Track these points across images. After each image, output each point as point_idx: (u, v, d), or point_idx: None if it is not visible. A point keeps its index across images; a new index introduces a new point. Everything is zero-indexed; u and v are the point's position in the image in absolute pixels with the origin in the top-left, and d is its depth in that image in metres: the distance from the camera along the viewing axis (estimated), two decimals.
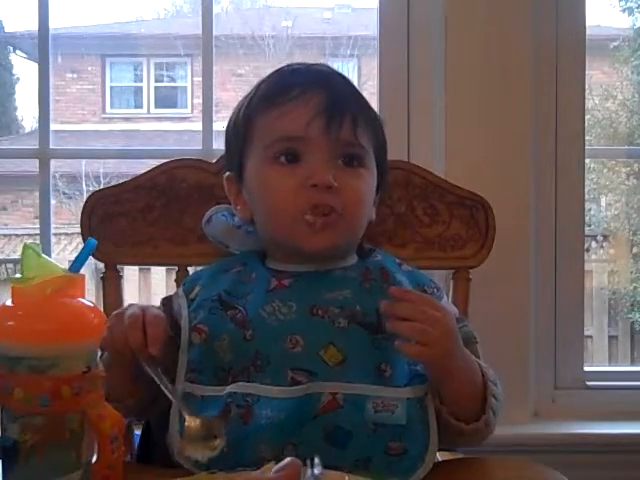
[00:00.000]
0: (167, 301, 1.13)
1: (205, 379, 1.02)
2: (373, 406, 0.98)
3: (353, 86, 1.12)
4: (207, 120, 1.77)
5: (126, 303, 1.32)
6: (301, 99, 1.05)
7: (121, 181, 1.31)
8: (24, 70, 8.44)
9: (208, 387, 1.01)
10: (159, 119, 8.24)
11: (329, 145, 1.05)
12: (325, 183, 1.03)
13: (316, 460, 0.84)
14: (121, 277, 1.33)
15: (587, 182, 1.81)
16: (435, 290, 1.11)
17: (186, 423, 0.91)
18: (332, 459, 0.93)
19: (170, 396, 0.94)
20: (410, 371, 1.01)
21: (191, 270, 1.30)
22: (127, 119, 8.37)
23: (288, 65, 1.13)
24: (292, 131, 1.05)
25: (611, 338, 4.74)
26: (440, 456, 1.09)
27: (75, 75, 8.45)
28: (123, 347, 0.96)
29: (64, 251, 5.71)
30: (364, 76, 6.74)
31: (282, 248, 1.09)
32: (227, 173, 1.15)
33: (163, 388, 0.94)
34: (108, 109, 8.65)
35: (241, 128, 1.10)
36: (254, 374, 1.00)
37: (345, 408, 0.97)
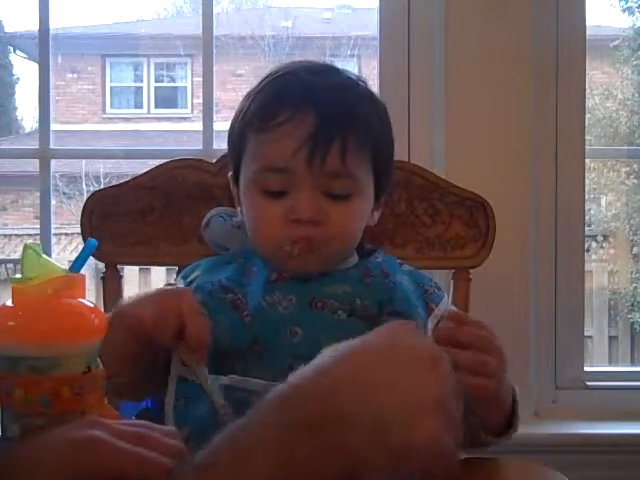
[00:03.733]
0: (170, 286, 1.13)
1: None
2: None
3: (349, 98, 1.06)
4: (207, 120, 1.77)
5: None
6: (289, 125, 1.02)
7: (121, 181, 1.31)
8: (24, 70, 8.47)
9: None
10: (159, 119, 8.24)
11: (313, 178, 1.02)
12: (307, 218, 1.02)
13: None
14: (121, 277, 1.33)
15: (587, 182, 1.81)
16: (436, 290, 1.11)
17: None
18: None
19: (217, 405, 0.95)
20: None
21: None
22: (127, 119, 8.38)
23: (286, 71, 1.09)
24: (277, 162, 1.03)
25: (611, 338, 4.74)
26: None
27: (75, 75, 8.45)
28: (160, 336, 0.95)
29: (64, 251, 5.72)
30: (364, 76, 6.73)
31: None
32: (230, 172, 1.15)
33: (209, 391, 0.95)
34: (108, 109, 8.66)
35: (237, 140, 1.10)
36: (251, 361, 1.00)
37: None
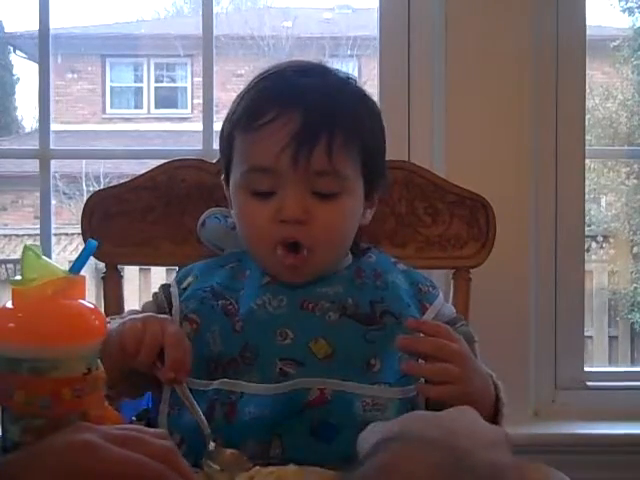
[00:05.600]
0: (166, 287, 1.13)
1: (193, 372, 1.01)
2: (363, 405, 0.98)
3: (337, 97, 1.06)
4: (207, 120, 1.77)
5: (126, 303, 1.32)
6: (274, 125, 1.02)
7: (121, 181, 1.31)
8: (24, 70, 8.45)
9: (195, 380, 1.01)
10: (159, 119, 8.24)
11: (299, 177, 1.02)
12: (293, 218, 1.02)
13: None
14: (121, 277, 1.33)
15: (587, 182, 1.81)
16: (430, 288, 1.12)
17: (213, 450, 0.92)
18: (318, 453, 0.94)
19: (201, 424, 0.95)
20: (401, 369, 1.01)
21: None
22: (127, 119, 8.37)
23: (273, 72, 1.09)
24: (263, 162, 1.03)
25: (611, 338, 4.74)
26: None
27: (75, 75, 8.45)
28: (133, 361, 0.96)
29: (64, 251, 5.71)
30: (364, 76, 6.72)
31: None
32: (222, 175, 1.15)
33: (192, 410, 0.95)
34: (108, 109, 8.65)
35: (226, 141, 1.10)
36: (242, 367, 1.01)
37: (333, 403, 0.98)
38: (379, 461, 0.65)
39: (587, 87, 1.77)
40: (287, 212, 1.02)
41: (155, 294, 1.14)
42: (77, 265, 0.80)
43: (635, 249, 4.93)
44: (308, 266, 1.05)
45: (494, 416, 1.03)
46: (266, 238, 1.04)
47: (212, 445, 0.93)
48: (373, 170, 1.09)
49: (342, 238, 1.08)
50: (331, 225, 1.05)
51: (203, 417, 0.95)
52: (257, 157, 1.04)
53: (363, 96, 1.11)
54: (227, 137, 1.09)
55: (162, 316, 1.04)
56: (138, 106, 8.64)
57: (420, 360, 0.98)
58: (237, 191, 1.08)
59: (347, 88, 1.09)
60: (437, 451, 0.66)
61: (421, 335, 0.97)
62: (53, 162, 1.78)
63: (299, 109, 1.02)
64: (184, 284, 1.10)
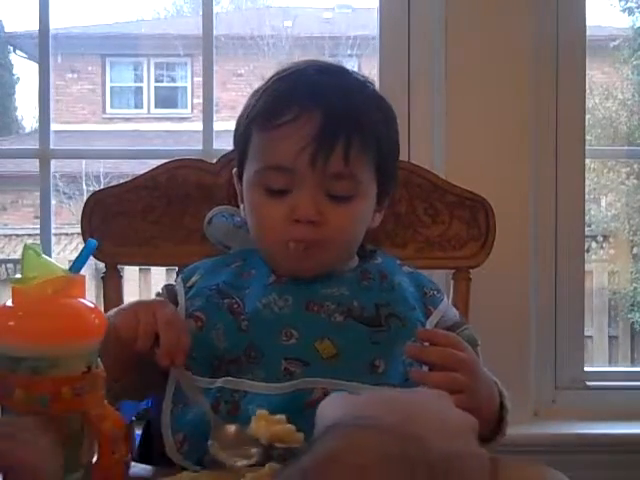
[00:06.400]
0: (170, 287, 1.13)
1: (197, 369, 1.01)
2: None
3: (356, 100, 1.06)
4: (207, 120, 1.77)
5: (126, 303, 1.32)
6: (294, 125, 1.02)
7: (121, 181, 1.31)
8: (24, 70, 8.46)
9: (199, 378, 1.01)
10: (159, 119, 8.24)
11: (316, 178, 1.02)
12: (306, 219, 1.02)
13: None
14: (121, 277, 1.33)
15: (587, 182, 1.81)
16: (435, 292, 1.11)
17: (219, 429, 0.91)
18: None
19: (200, 404, 0.96)
20: (406, 372, 1.01)
21: None
22: (127, 119, 8.37)
23: (294, 70, 1.09)
24: (281, 161, 1.03)
25: (611, 338, 4.74)
26: None
27: (75, 75, 8.45)
28: (134, 346, 0.96)
29: (64, 251, 5.71)
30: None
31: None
32: (235, 169, 1.15)
33: (191, 393, 0.96)
34: (108, 109, 8.66)
35: (242, 137, 1.10)
36: (247, 365, 1.01)
37: None
38: (323, 450, 0.62)
39: (587, 87, 1.78)
40: (301, 212, 1.02)
41: (158, 294, 1.14)
42: (77, 264, 0.80)
43: (635, 249, 4.92)
44: (318, 253, 1.04)
45: (498, 423, 1.03)
46: (278, 236, 1.04)
47: (213, 418, 0.92)
48: (386, 174, 1.10)
49: (351, 240, 1.09)
50: (343, 227, 1.05)
51: (206, 402, 0.96)
52: (275, 156, 1.04)
53: (381, 101, 1.11)
54: (243, 133, 1.09)
55: (152, 299, 1.04)
56: (138, 106, 8.65)
57: (424, 367, 0.98)
58: (251, 188, 1.08)
59: (366, 91, 1.09)
60: (391, 440, 0.62)
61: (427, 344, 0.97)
62: (53, 162, 1.78)
63: (319, 109, 1.02)
64: (190, 282, 1.10)
